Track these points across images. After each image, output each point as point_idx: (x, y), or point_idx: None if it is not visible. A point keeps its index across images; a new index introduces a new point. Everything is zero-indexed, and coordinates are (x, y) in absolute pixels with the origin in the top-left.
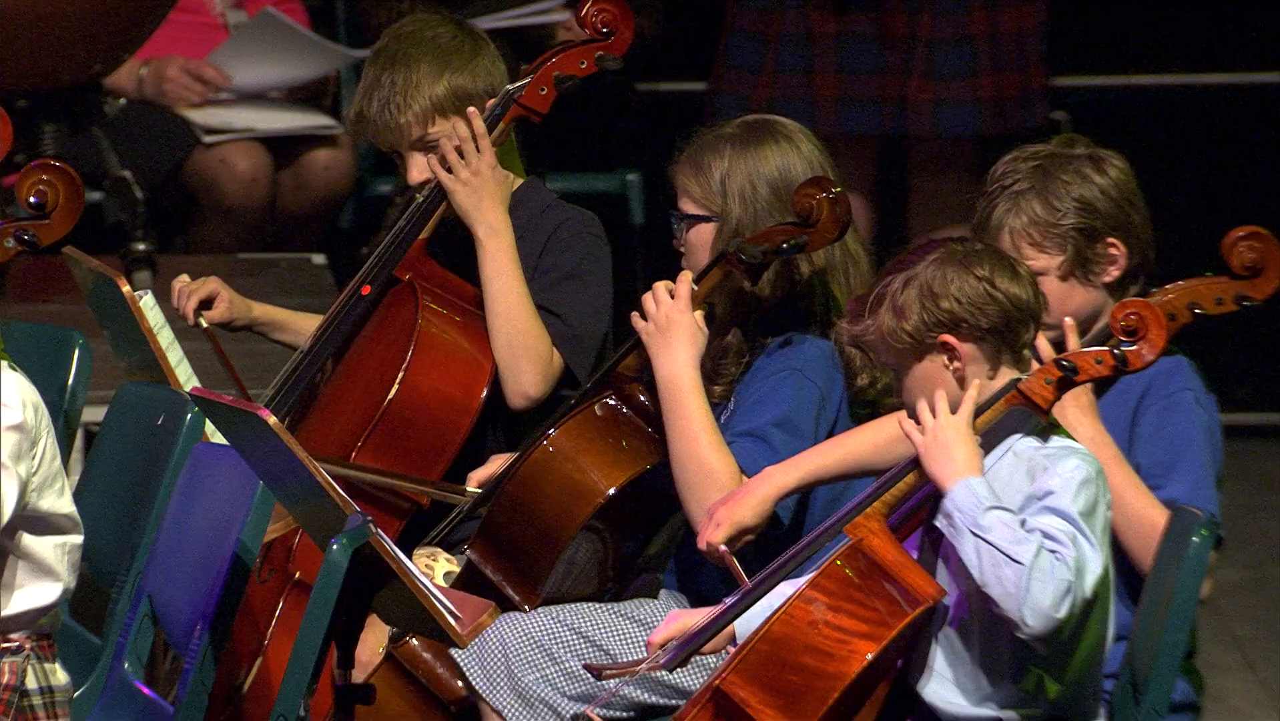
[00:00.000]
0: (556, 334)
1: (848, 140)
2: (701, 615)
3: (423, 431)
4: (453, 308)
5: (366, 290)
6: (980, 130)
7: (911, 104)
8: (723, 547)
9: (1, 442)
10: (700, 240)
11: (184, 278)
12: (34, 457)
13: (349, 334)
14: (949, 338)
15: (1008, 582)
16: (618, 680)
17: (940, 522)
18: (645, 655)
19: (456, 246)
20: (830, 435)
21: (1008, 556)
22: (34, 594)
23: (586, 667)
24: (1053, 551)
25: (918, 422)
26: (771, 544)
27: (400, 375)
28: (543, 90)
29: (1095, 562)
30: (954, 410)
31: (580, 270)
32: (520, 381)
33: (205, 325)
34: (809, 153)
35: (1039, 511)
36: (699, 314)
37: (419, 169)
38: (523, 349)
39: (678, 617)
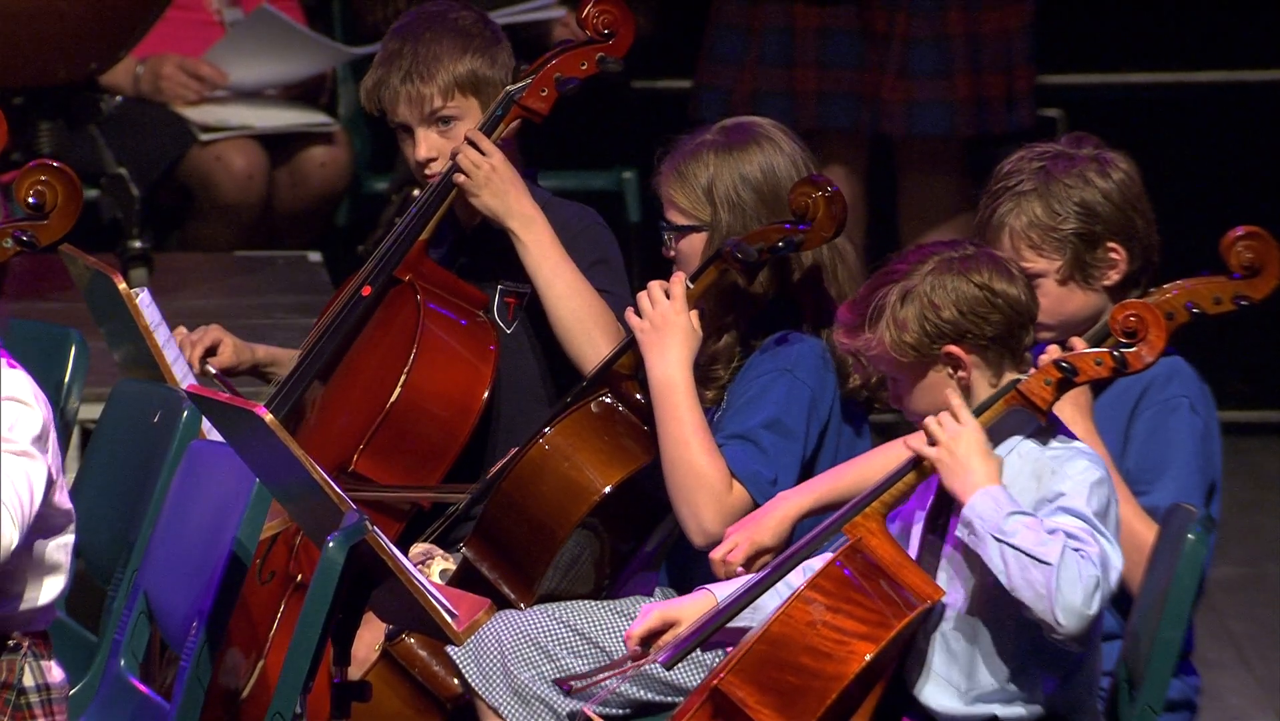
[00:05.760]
0: (613, 309)
1: (837, 132)
2: (675, 605)
3: (425, 433)
4: (454, 309)
5: (367, 291)
6: (954, 131)
7: (885, 103)
8: (740, 569)
9: (28, 431)
10: (691, 249)
11: (182, 330)
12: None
13: (349, 335)
14: (954, 348)
15: (1037, 585)
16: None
17: (961, 532)
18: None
19: (471, 252)
20: (823, 435)
21: (1034, 558)
22: (31, 591)
23: (557, 682)
24: (1077, 550)
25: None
26: None
27: (403, 377)
28: (543, 92)
29: (1116, 557)
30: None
31: (606, 256)
32: (601, 351)
33: (214, 372)
34: (792, 152)
35: (1053, 513)
36: (694, 314)
37: (427, 145)
38: (592, 320)
39: (653, 610)
